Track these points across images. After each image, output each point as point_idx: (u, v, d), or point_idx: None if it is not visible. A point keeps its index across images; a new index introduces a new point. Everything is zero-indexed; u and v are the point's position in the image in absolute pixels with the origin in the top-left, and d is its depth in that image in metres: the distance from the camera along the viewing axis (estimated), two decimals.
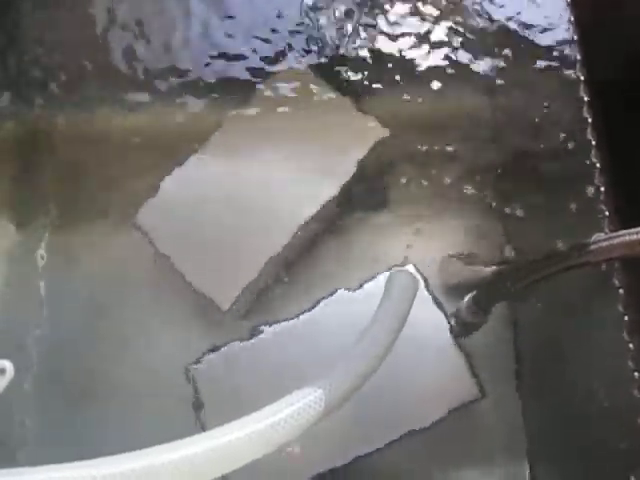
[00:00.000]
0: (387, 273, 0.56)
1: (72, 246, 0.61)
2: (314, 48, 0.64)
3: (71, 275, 0.60)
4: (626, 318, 0.50)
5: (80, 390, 0.57)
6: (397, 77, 0.63)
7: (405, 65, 0.64)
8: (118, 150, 0.63)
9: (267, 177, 0.58)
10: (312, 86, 0.62)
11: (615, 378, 0.49)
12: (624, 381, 0.47)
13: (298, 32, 0.65)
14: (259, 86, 0.62)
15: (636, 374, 0.47)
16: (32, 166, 0.63)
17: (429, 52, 0.64)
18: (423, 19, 0.65)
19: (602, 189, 0.57)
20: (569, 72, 0.63)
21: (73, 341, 0.59)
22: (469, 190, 0.60)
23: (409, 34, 0.65)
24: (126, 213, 0.59)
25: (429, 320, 0.55)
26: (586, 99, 0.61)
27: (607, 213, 0.55)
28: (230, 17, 0.65)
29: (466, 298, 0.56)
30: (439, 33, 0.65)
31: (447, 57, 0.64)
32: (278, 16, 0.65)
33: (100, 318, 0.59)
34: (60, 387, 0.57)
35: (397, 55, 0.64)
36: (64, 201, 0.62)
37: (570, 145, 0.60)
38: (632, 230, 0.44)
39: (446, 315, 0.56)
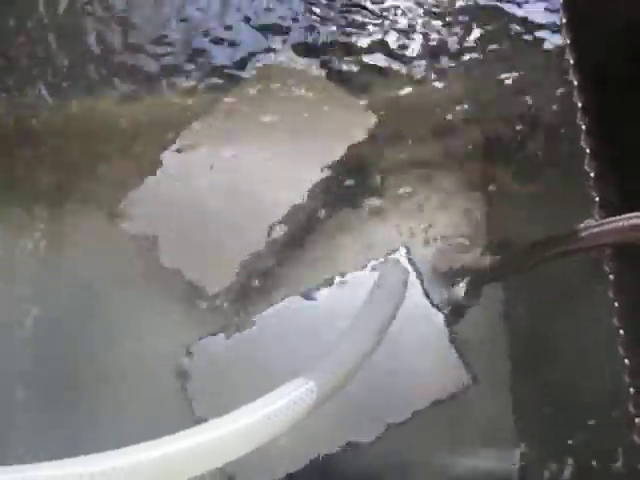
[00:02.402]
0: (378, 261, 0.56)
1: (61, 236, 0.61)
2: (305, 34, 0.64)
3: (60, 265, 0.60)
4: (616, 304, 0.50)
5: (69, 379, 0.57)
6: (388, 64, 0.63)
7: (396, 51, 0.63)
8: (104, 140, 0.62)
9: (255, 164, 0.58)
10: (303, 72, 0.61)
11: (605, 364, 0.49)
12: (614, 367, 0.47)
13: (288, 18, 0.64)
14: (248, 73, 0.62)
15: (626, 360, 0.47)
16: (18, 157, 0.62)
17: (419, 37, 0.64)
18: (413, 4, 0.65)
19: (592, 175, 0.57)
20: (559, 55, 0.62)
21: (62, 331, 0.58)
22: (461, 177, 0.60)
23: (400, 20, 0.64)
24: (113, 202, 0.58)
25: (420, 308, 0.55)
26: (576, 83, 0.61)
27: (597, 199, 0.55)
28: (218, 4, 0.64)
29: (458, 284, 0.56)
30: (428, 17, 0.64)
31: (436, 42, 0.64)
32: (269, 2, 0.64)
33: (89, 308, 0.59)
34: (50, 376, 0.57)
35: (388, 42, 0.64)
36: (52, 191, 0.62)
37: (560, 131, 0.59)
38: (623, 216, 0.44)
39: (437, 303, 0.56)
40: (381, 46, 0.64)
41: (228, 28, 0.64)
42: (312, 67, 0.62)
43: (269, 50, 0.63)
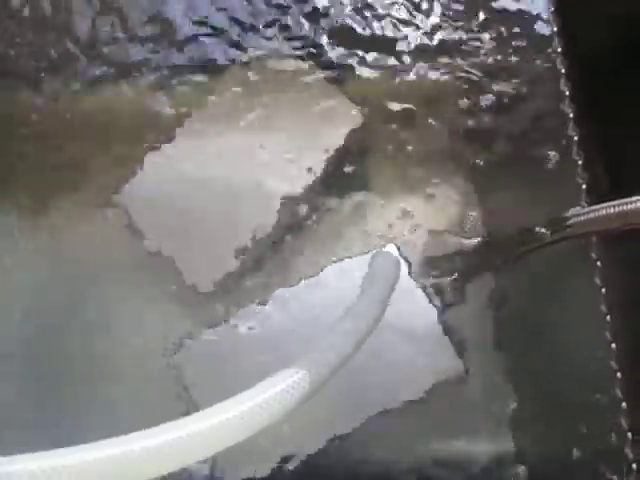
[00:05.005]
0: (369, 254, 0.56)
1: (52, 229, 0.60)
2: (296, 27, 0.63)
3: (51, 258, 0.59)
4: (603, 291, 0.50)
5: (61, 373, 0.57)
6: (378, 58, 0.63)
7: (385, 46, 0.63)
8: (96, 131, 0.62)
9: (248, 158, 0.58)
10: (294, 66, 0.61)
11: (593, 350, 0.49)
12: (602, 353, 0.48)
13: (280, 11, 0.64)
14: (240, 67, 0.61)
15: (613, 345, 0.48)
16: (5, 147, 0.62)
17: (410, 31, 0.63)
18: None
19: (580, 162, 0.57)
20: (545, 44, 0.62)
21: (54, 324, 0.58)
22: (450, 168, 0.60)
23: (390, 14, 0.64)
24: (106, 194, 0.58)
25: (412, 297, 0.55)
26: (563, 72, 0.61)
27: (584, 187, 0.56)
28: None
29: (449, 273, 0.56)
30: (419, 12, 0.64)
31: (427, 36, 0.63)
32: None
33: (81, 301, 0.58)
34: (41, 370, 0.57)
35: (379, 35, 0.63)
36: (41, 183, 0.61)
37: (548, 118, 0.60)
38: (610, 204, 0.44)
39: (428, 291, 0.56)
40: (377, 42, 0.63)
41: (218, 20, 0.64)
42: (306, 61, 0.62)
43: (262, 44, 0.63)
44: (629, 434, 0.47)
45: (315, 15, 0.63)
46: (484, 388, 0.55)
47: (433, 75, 0.62)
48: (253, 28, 0.63)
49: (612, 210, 0.44)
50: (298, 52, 0.62)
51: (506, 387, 0.54)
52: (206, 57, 0.63)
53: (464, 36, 0.63)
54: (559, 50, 0.62)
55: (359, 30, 0.63)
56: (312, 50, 0.62)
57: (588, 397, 0.50)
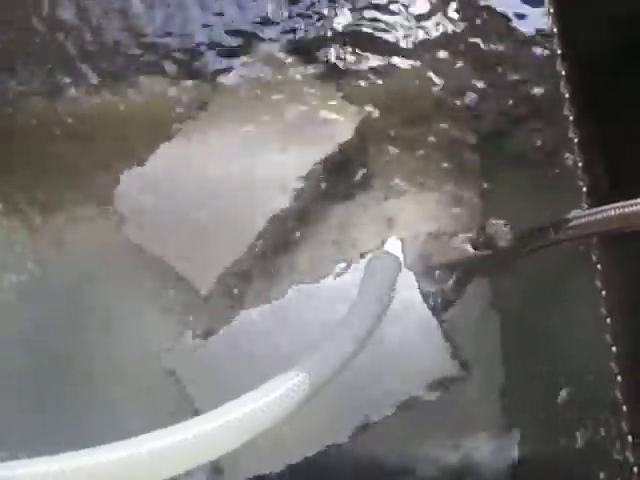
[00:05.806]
0: (369, 255, 0.56)
1: (52, 230, 0.60)
2: (294, 27, 0.63)
3: (51, 259, 0.59)
4: (604, 293, 0.50)
5: (61, 373, 0.57)
6: (376, 57, 0.63)
7: (384, 44, 0.63)
8: (93, 135, 0.62)
9: (248, 159, 0.58)
10: (292, 67, 0.61)
11: (594, 352, 0.49)
12: (602, 355, 0.48)
13: (281, 14, 0.64)
14: (240, 69, 0.62)
15: (613, 348, 0.48)
16: (5, 147, 0.62)
17: (408, 30, 0.64)
18: None
19: (580, 164, 0.57)
20: (545, 47, 0.62)
21: (53, 325, 0.58)
22: (451, 169, 0.60)
23: (386, 12, 0.64)
24: (105, 196, 0.58)
25: (410, 298, 0.55)
26: (563, 74, 0.61)
27: (585, 189, 0.56)
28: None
29: (446, 274, 0.56)
30: (418, 8, 0.64)
31: (428, 37, 0.63)
32: None
33: (81, 301, 0.58)
34: (42, 371, 0.57)
35: (377, 35, 0.63)
36: (41, 184, 0.61)
37: (548, 120, 0.60)
38: (610, 206, 0.44)
39: (427, 292, 0.56)
40: (375, 41, 0.63)
41: (216, 19, 0.64)
42: (304, 62, 0.62)
43: (260, 45, 0.63)
44: (629, 437, 0.47)
45: (315, 17, 0.63)
46: (483, 389, 0.55)
47: (433, 77, 0.62)
48: (254, 31, 0.63)
49: (612, 212, 0.44)
50: (299, 54, 0.62)
51: (505, 388, 0.54)
52: (207, 60, 0.63)
53: (464, 38, 0.63)
54: (559, 51, 0.62)
55: (359, 30, 0.63)
56: (312, 52, 0.62)
57: (588, 399, 0.50)
